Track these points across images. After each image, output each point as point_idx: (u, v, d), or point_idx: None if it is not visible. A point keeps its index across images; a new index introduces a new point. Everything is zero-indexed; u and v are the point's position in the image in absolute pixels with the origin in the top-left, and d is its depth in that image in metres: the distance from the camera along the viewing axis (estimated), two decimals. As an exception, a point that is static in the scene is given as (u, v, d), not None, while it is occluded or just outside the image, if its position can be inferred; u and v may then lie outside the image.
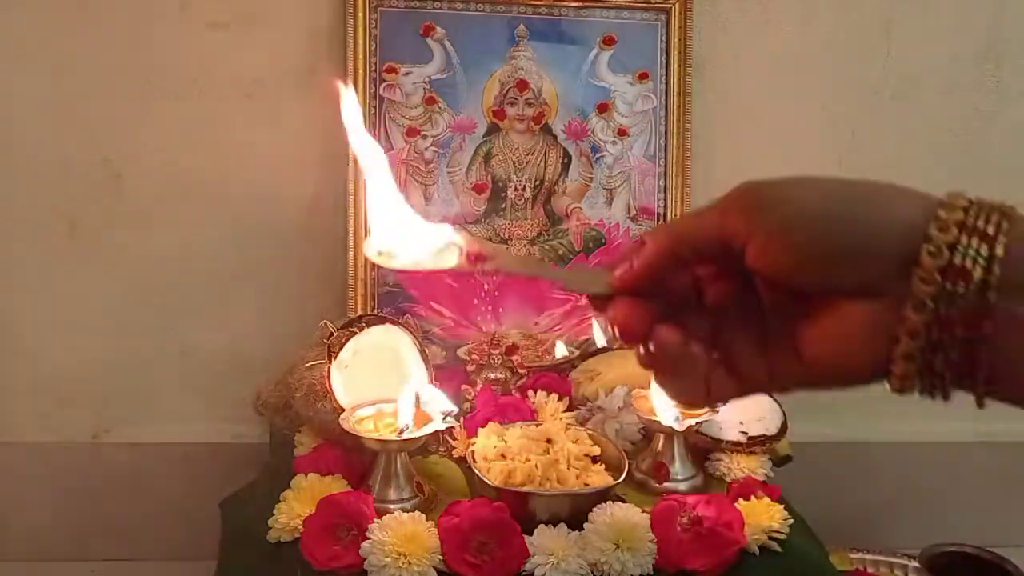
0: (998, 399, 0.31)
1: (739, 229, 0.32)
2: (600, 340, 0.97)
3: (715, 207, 0.33)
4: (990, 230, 0.29)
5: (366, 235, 0.40)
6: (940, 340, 0.30)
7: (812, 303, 0.32)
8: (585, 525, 0.68)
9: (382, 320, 0.81)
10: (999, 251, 0.29)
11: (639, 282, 0.34)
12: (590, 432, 0.79)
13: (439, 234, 0.37)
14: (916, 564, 0.96)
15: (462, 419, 0.81)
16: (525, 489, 0.70)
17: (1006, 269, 0.29)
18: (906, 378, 0.31)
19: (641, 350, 0.35)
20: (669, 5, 0.98)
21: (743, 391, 0.35)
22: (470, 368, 0.94)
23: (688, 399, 0.39)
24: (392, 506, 0.70)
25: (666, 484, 0.78)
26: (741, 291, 0.34)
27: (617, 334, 0.35)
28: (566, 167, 0.99)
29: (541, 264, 0.32)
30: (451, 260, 0.37)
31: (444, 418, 0.73)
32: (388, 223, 0.39)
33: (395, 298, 0.96)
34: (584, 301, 0.34)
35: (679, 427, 0.77)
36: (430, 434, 0.73)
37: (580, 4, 0.97)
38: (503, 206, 0.98)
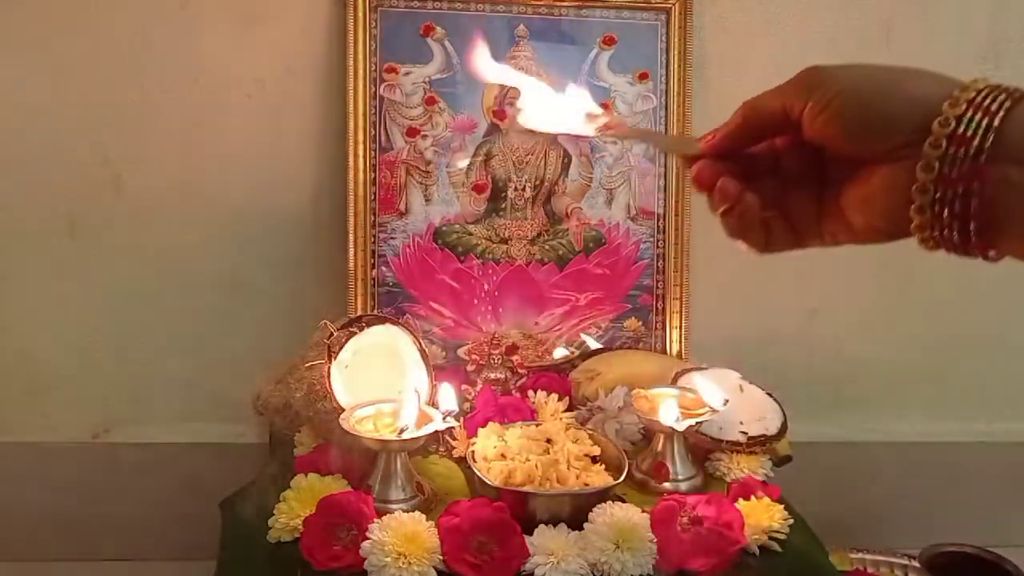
0: (1005, 253, 0.37)
1: (797, 102, 0.40)
2: (592, 344, 0.97)
3: (782, 86, 0.41)
4: (993, 107, 0.35)
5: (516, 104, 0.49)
6: (943, 195, 0.36)
7: (852, 169, 0.40)
8: (585, 525, 0.68)
9: (382, 320, 0.81)
10: (996, 123, 0.35)
11: (721, 147, 0.43)
12: (590, 432, 0.79)
13: (579, 104, 0.47)
14: (916, 564, 0.96)
15: (462, 419, 0.81)
16: (525, 489, 0.70)
17: (1000, 139, 0.35)
18: (922, 228, 0.37)
19: (708, 198, 0.43)
20: (669, 5, 0.98)
21: (799, 244, 0.44)
22: (470, 368, 0.94)
23: (749, 243, 0.44)
24: (392, 506, 0.70)
25: (666, 484, 0.78)
26: (808, 162, 0.43)
27: (693, 182, 0.44)
28: (566, 167, 0.99)
29: (646, 130, 0.48)
30: (589, 129, 0.47)
31: (444, 418, 0.73)
32: (537, 95, 0.48)
33: (395, 298, 0.96)
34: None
35: (679, 427, 0.77)
36: (430, 434, 0.73)
37: (580, 4, 0.97)
38: (503, 206, 0.98)
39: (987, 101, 0.36)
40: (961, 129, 0.35)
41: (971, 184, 0.35)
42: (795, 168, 0.43)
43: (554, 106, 0.48)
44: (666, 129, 0.99)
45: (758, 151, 0.44)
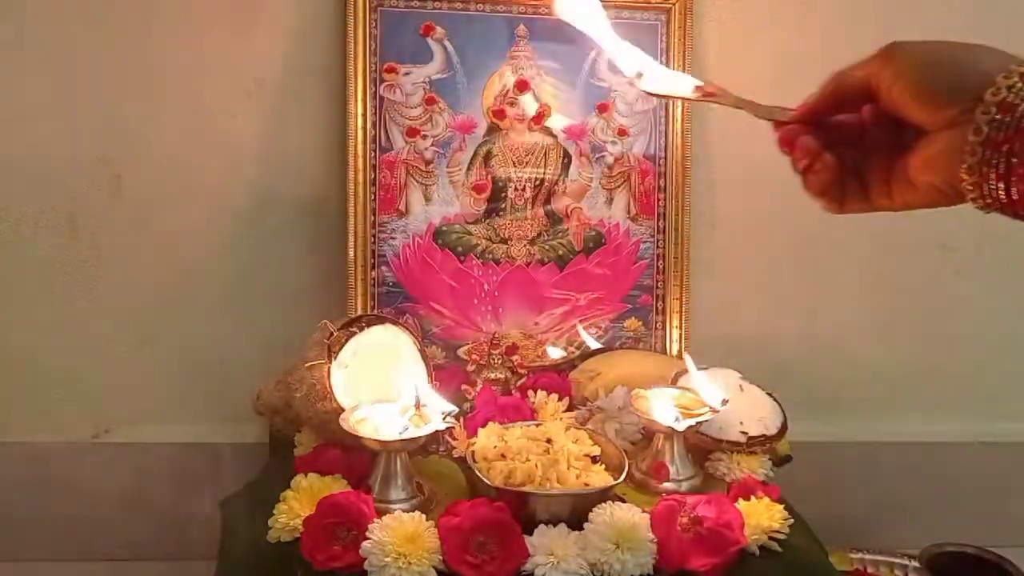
0: None
1: (876, 74, 0.45)
2: (591, 343, 0.97)
3: (867, 59, 0.46)
4: None
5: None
6: (990, 157, 0.40)
7: (921, 135, 0.44)
8: (585, 525, 0.68)
9: (382, 320, 0.81)
10: None
11: (810, 114, 0.49)
12: (590, 432, 0.79)
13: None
14: (916, 564, 0.96)
15: (462, 419, 0.81)
16: (525, 489, 0.70)
17: None
18: (972, 188, 0.41)
19: (792, 158, 0.49)
20: (669, 5, 0.98)
21: (870, 206, 0.49)
22: (470, 368, 0.94)
23: (826, 202, 0.50)
24: (392, 506, 0.70)
25: (666, 484, 0.78)
26: (886, 130, 0.47)
27: (778, 143, 0.50)
28: (566, 167, 0.99)
29: (744, 100, 0.50)
30: (686, 90, 0.54)
31: (444, 418, 0.73)
32: (640, 57, 0.57)
33: (395, 298, 0.96)
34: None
35: (679, 427, 0.77)
36: (430, 434, 0.73)
37: (580, 4, 0.97)
38: (503, 206, 0.98)
39: None
40: (1010, 97, 0.39)
41: (1014, 146, 0.39)
42: (875, 136, 0.48)
43: (665, 74, 0.56)
44: (666, 128, 1.00)
45: (844, 121, 0.49)
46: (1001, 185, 0.40)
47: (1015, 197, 0.40)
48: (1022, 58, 0.41)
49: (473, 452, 0.75)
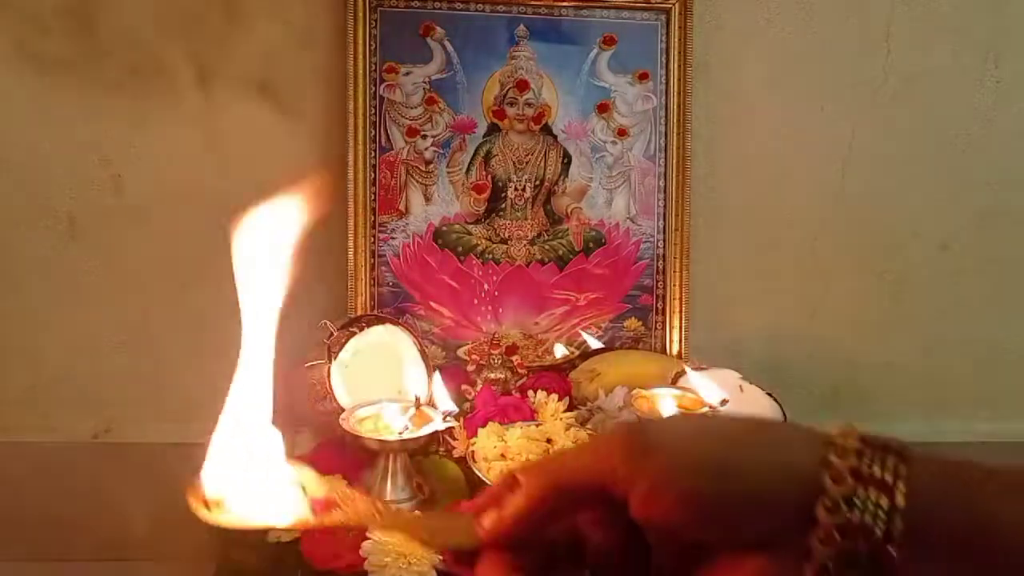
0: None
1: (621, 476, 0.28)
2: (593, 343, 0.97)
3: (596, 450, 0.30)
4: (887, 477, 0.27)
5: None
6: None
7: (706, 555, 0.29)
8: (585, 525, 0.68)
9: (382, 320, 0.81)
10: (900, 501, 0.26)
11: (510, 534, 0.30)
12: (590, 432, 0.79)
13: (279, 478, 0.34)
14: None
15: (462, 419, 0.81)
16: (525, 489, 0.70)
17: (908, 521, 0.26)
18: None
19: None
20: (669, 5, 0.98)
21: None
22: (470, 368, 0.94)
23: None
24: (392, 506, 0.70)
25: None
26: (626, 541, 0.31)
27: None
28: (566, 167, 0.99)
29: (398, 515, 0.34)
30: (294, 512, 0.33)
31: (444, 418, 0.73)
32: (220, 464, 0.35)
33: (395, 298, 0.96)
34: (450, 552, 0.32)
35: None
36: (430, 434, 0.73)
37: (580, 4, 0.97)
38: (503, 206, 0.98)
39: (875, 468, 0.27)
40: (856, 515, 0.26)
41: None
42: (609, 552, 0.31)
43: (247, 483, 0.36)
44: (666, 128, 0.99)
45: (556, 529, 0.31)
46: None
47: None
48: (829, 434, 0.28)
49: (473, 452, 0.75)
